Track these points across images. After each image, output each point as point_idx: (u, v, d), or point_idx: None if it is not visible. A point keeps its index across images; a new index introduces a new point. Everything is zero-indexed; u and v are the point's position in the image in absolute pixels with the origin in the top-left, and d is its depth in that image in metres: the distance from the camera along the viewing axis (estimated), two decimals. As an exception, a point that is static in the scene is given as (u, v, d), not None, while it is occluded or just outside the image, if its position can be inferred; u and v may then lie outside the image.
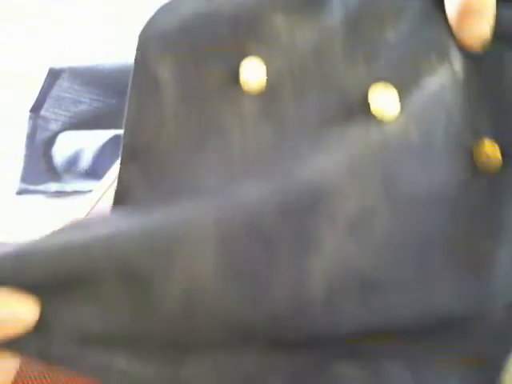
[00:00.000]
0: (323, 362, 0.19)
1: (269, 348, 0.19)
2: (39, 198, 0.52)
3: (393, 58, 0.21)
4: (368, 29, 0.22)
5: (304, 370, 0.19)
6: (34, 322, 0.17)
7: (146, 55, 0.21)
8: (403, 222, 0.20)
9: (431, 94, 0.21)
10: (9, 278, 0.17)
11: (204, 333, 0.19)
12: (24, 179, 0.53)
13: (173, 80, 0.21)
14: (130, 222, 0.19)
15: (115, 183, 0.21)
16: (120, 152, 0.21)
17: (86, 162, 0.53)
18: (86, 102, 0.55)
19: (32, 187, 0.53)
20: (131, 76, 0.21)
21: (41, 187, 0.53)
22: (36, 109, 0.55)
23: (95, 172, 0.53)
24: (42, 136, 0.55)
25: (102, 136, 0.53)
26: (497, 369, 0.20)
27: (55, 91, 0.55)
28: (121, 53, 0.55)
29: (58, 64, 0.55)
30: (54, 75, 0.55)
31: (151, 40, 0.21)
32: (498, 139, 0.21)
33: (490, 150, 0.20)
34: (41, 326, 0.18)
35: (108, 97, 0.55)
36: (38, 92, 0.55)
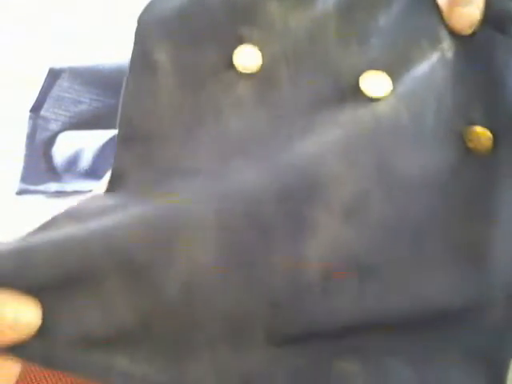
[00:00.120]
0: (324, 358, 0.19)
1: (269, 344, 0.19)
2: (39, 198, 0.52)
3: (385, 43, 0.22)
4: (360, 13, 0.22)
5: (305, 366, 0.19)
6: (37, 326, 0.17)
7: (144, 40, 0.22)
8: (397, 206, 0.20)
9: (422, 78, 0.21)
10: (11, 280, 0.17)
11: (204, 326, 0.18)
12: (24, 179, 0.53)
13: (170, 64, 0.21)
14: (128, 213, 0.19)
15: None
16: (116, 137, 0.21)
17: (86, 162, 0.53)
18: (86, 101, 0.55)
19: (32, 187, 0.53)
20: (129, 61, 0.21)
21: (41, 187, 0.53)
22: (36, 109, 0.55)
23: (95, 172, 0.53)
24: (41, 136, 0.55)
25: (101, 136, 0.53)
26: (500, 364, 0.20)
27: (55, 91, 0.55)
28: (121, 53, 0.55)
29: (58, 64, 0.55)
30: (54, 75, 0.55)
31: (149, 25, 0.22)
32: (488, 121, 0.21)
33: (481, 133, 0.21)
34: (43, 330, 0.17)
35: (108, 97, 0.55)
36: (38, 92, 0.55)
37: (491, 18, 0.21)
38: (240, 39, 0.22)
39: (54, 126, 0.55)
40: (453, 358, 0.20)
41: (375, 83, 0.21)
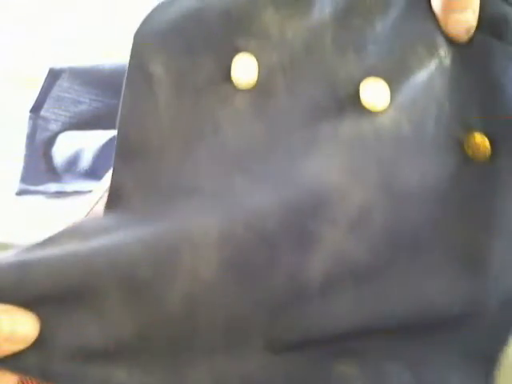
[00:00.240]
0: (323, 362, 0.19)
1: (268, 351, 0.19)
2: (39, 199, 0.52)
3: (382, 50, 0.22)
4: (357, 20, 0.22)
5: (304, 371, 0.19)
6: (34, 338, 0.17)
7: (141, 53, 0.21)
8: (398, 215, 0.20)
9: (421, 85, 0.21)
10: (10, 293, 0.17)
11: (204, 335, 0.19)
12: (24, 179, 0.53)
13: (166, 77, 0.21)
14: (130, 233, 0.19)
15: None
16: (114, 153, 0.21)
17: (86, 162, 0.53)
18: (86, 102, 0.55)
19: (32, 188, 0.53)
20: (126, 74, 0.21)
21: (41, 187, 0.53)
22: (36, 109, 0.55)
23: (95, 172, 0.53)
24: (42, 136, 0.55)
25: (101, 136, 0.53)
26: (492, 363, 0.20)
27: (55, 91, 0.55)
28: (121, 53, 0.55)
29: (58, 64, 0.55)
30: (54, 75, 0.55)
31: (145, 38, 0.21)
32: (487, 128, 0.21)
33: (479, 140, 0.20)
34: (41, 343, 0.17)
35: (108, 97, 0.55)
36: (38, 92, 0.55)
37: (486, 22, 0.21)
38: (236, 50, 0.22)
39: (54, 127, 0.55)
40: (452, 360, 0.20)
41: (374, 92, 0.21)
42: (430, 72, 0.21)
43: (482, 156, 0.20)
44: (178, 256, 0.18)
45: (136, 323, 0.18)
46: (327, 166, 0.20)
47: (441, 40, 0.21)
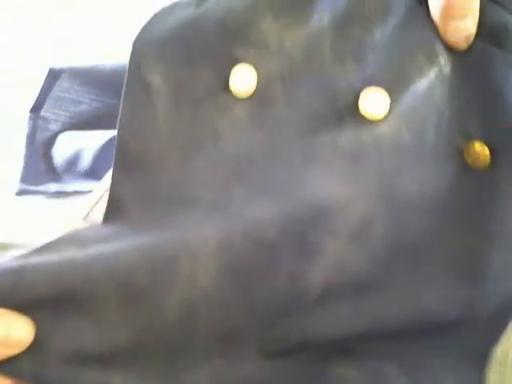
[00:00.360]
0: (321, 365, 0.20)
1: (265, 357, 0.19)
2: (39, 199, 0.52)
3: (381, 59, 0.21)
4: (356, 29, 0.22)
5: (302, 373, 0.19)
6: (29, 343, 0.17)
7: (139, 63, 0.21)
8: (398, 224, 0.20)
9: (420, 94, 0.21)
10: (4, 297, 0.17)
11: (202, 339, 0.19)
12: (24, 179, 0.53)
13: (164, 88, 0.21)
14: (129, 242, 0.19)
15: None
16: (112, 163, 0.21)
17: (86, 162, 0.53)
18: (86, 102, 0.55)
19: (32, 188, 0.53)
20: (124, 84, 0.21)
21: (41, 188, 0.53)
22: (36, 109, 0.55)
23: (95, 172, 0.53)
24: (42, 136, 0.55)
25: (102, 136, 0.53)
26: (484, 361, 0.20)
27: (55, 91, 0.55)
28: (121, 53, 0.55)
29: (58, 64, 0.55)
30: (54, 75, 0.55)
31: (144, 47, 0.21)
32: (487, 137, 0.21)
33: (479, 149, 0.20)
34: (36, 347, 0.17)
35: (108, 97, 0.55)
36: (38, 92, 0.55)
37: (486, 30, 0.21)
38: (235, 60, 0.21)
39: (54, 127, 0.55)
40: (447, 362, 0.20)
41: (374, 102, 0.21)
42: (430, 80, 0.21)
43: (482, 164, 0.20)
44: (176, 263, 0.18)
45: (133, 328, 0.18)
46: (327, 176, 0.20)
47: (440, 48, 0.21)
